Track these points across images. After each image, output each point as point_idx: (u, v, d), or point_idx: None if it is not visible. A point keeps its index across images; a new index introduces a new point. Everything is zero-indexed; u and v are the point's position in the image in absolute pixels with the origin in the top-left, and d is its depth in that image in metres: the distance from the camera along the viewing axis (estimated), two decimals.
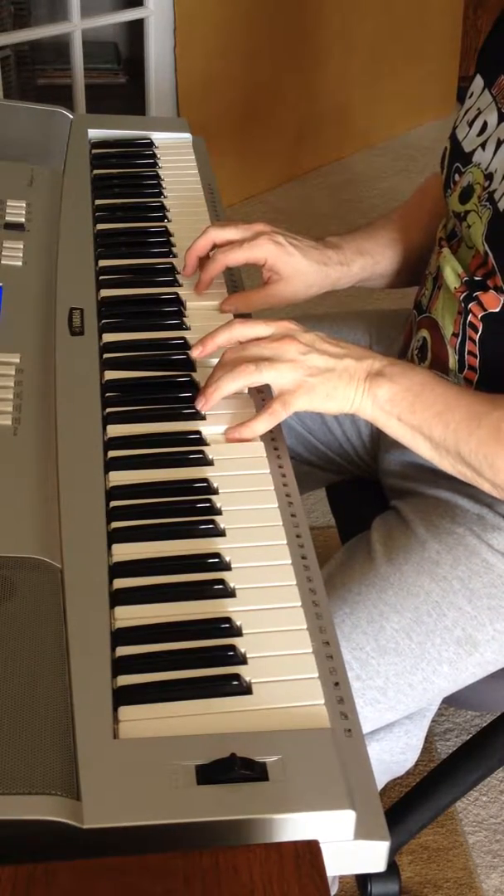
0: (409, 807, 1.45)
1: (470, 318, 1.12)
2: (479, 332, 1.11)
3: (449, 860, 1.57)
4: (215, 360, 1.04)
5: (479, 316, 1.11)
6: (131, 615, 0.82)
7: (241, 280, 1.24)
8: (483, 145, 1.13)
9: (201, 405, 1.01)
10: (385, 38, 3.32)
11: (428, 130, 3.56)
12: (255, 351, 1.00)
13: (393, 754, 1.17)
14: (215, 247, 1.18)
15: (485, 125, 1.14)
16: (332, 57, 3.19)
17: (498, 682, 1.19)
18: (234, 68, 2.96)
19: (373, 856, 0.71)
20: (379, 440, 1.30)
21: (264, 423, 1.00)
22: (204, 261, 1.19)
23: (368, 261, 1.28)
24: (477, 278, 1.11)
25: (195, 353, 1.05)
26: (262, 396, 1.05)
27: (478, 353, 1.12)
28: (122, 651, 0.79)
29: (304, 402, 1.00)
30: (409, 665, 1.09)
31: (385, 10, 3.27)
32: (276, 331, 1.02)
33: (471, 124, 1.17)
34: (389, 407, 1.02)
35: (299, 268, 1.20)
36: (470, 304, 1.11)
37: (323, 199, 3.19)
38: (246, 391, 1.04)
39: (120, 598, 0.83)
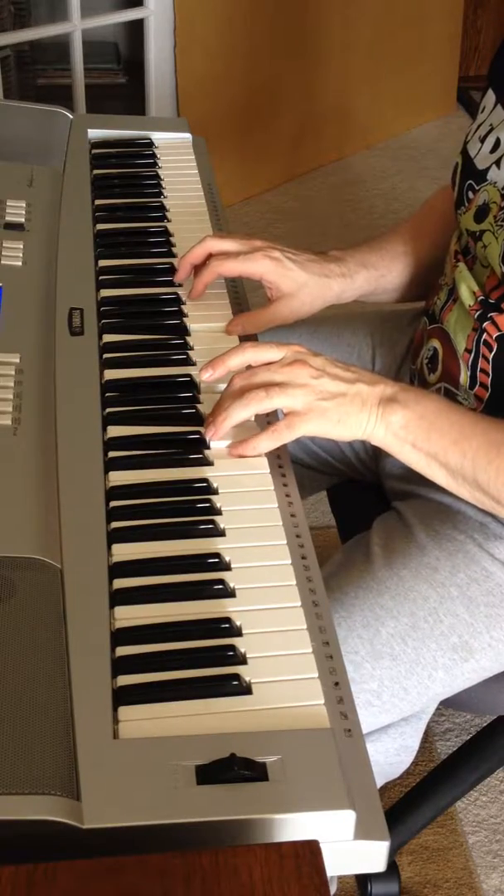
0: (409, 807, 1.45)
1: (485, 336, 1.11)
2: (494, 351, 1.11)
3: (449, 860, 1.57)
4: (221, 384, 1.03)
5: (494, 336, 1.10)
6: (131, 615, 0.82)
7: (243, 292, 1.24)
8: (497, 163, 1.12)
9: (210, 434, 0.99)
10: (385, 38, 3.32)
11: (428, 130, 3.56)
12: (265, 376, 0.99)
13: (388, 756, 1.16)
14: (210, 257, 1.18)
15: (497, 142, 1.13)
16: (332, 57, 3.19)
17: (496, 685, 1.19)
18: (234, 68, 2.96)
19: (373, 856, 0.71)
20: None
21: (266, 443, 0.98)
22: (199, 269, 1.18)
23: (373, 273, 1.27)
24: (492, 300, 1.10)
25: (204, 377, 1.03)
26: (267, 420, 1.03)
27: (490, 371, 1.11)
28: (122, 651, 0.79)
29: (314, 427, 0.99)
30: (403, 670, 1.09)
31: (385, 10, 3.27)
32: (287, 355, 1.00)
33: (483, 140, 1.15)
34: (403, 434, 1.01)
35: (299, 281, 1.18)
36: (484, 324, 1.10)
37: (323, 199, 3.19)
38: (252, 417, 1.01)
39: (120, 598, 0.83)
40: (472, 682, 1.14)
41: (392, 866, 1.46)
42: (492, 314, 1.10)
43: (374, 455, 1.33)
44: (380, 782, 1.21)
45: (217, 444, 0.99)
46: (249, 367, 1.02)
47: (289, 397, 0.98)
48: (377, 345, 1.36)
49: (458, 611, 1.09)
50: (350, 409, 0.99)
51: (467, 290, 1.13)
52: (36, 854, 0.65)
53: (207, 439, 0.99)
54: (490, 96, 1.17)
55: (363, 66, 3.31)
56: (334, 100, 3.28)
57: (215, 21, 2.86)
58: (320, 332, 1.38)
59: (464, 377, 1.14)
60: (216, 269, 1.16)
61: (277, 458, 1.00)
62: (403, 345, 1.34)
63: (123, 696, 0.76)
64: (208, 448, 0.99)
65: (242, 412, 0.98)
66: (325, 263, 1.22)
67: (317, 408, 0.98)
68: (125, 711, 0.75)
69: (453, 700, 1.18)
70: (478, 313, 1.11)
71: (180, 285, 1.20)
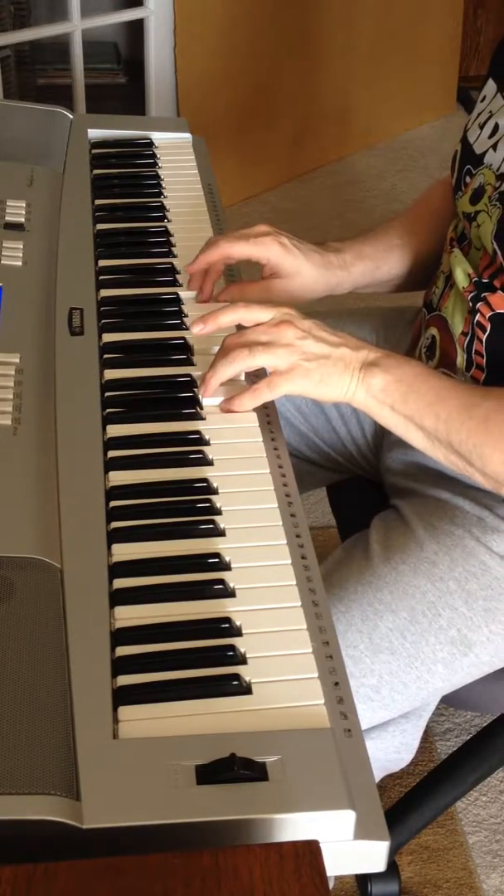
0: (409, 807, 1.45)
1: (478, 317, 1.12)
2: (487, 332, 1.12)
3: (449, 860, 1.57)
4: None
5: (487, 316, 1.12)
6: (131, 615, 0.82)
7: (239, 277, 1.25)
8: (494, 146, 1.14)
9: (203, 393, 1.03)
10: (385, 38, 3.32)
11: (428, 130, 3.56)
12: (251, 336, 1.02)
13: (388, 753, 1.17)
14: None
15: (496, 127, 1.15)
16: (332, 57, 3.19)
17: (497, 683, 1.19)
18: (234, 68, 2.96)
19: (373, 856, 0.71)
20: (382, 439, 1.30)
21: (248, 401, 1.02)
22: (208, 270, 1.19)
23: (369, 265, 1.29)
24: (484, 280, 1.12)
25: (195, 330, 1.07)
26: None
27: (484, 352, 1.13)
28: (122, 651, 0.79)
29: (295, 386, 1.02)
30: (402, 664, 1.09)
31: (385, 10, 3.27)
32: (275, 315, 1.03)
33: (482, 127, 1.18)
34: (382, 396, 1.03)
35: (301, 269, 1.21)
36: (478, 304, 1.12)
37: (323, 198, 3.19)
38: (242, 377, 1.05)
39: (120, 598, 0.83)
40: (471, 678, 1.14)
41: (392, 866, 1.46)
42: (485, 294, 1.11)
43: (376, 450, 1.33)
44: (380, 775, 1.22)
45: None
46: (239, 328, 1.05)
47: (272, 356, 1.01)
48: (380, 342, 1.37)
49: (456, 605, 1.10)
50: (332, 371, 1.02)
51: (462, 273, 1.15)
52: (36, 854, 0.65)
53: (201, 397, 1.03)
54: (490, 86, 1.20)
55: (363, 66, 3.31)
56: (334, 100, 3.28)
57: (215, 21, 2.86)
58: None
59: (460, 360, 1.15)
60: (226, 250, 1.16)
61: (277, 458, 1.00)
62: (406, 342, 1.34)
63: (123, 696, 0.76)
64: (208, 445, 0.99)
65: (227, 370, 1.02)
66: (326, 254, 1.25)
67: (299, 367, 1.01)
68: (125, 711, 0.75)
69: (454, 698, 1.19)
70: (472, 295, 1.13)
71: (181, 285, 1.21)
